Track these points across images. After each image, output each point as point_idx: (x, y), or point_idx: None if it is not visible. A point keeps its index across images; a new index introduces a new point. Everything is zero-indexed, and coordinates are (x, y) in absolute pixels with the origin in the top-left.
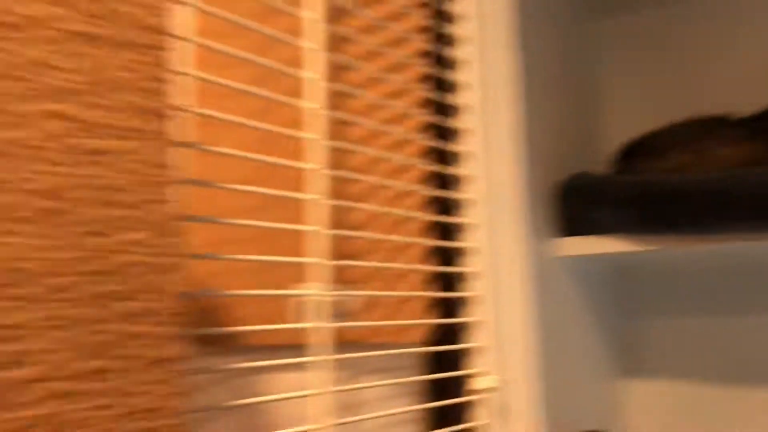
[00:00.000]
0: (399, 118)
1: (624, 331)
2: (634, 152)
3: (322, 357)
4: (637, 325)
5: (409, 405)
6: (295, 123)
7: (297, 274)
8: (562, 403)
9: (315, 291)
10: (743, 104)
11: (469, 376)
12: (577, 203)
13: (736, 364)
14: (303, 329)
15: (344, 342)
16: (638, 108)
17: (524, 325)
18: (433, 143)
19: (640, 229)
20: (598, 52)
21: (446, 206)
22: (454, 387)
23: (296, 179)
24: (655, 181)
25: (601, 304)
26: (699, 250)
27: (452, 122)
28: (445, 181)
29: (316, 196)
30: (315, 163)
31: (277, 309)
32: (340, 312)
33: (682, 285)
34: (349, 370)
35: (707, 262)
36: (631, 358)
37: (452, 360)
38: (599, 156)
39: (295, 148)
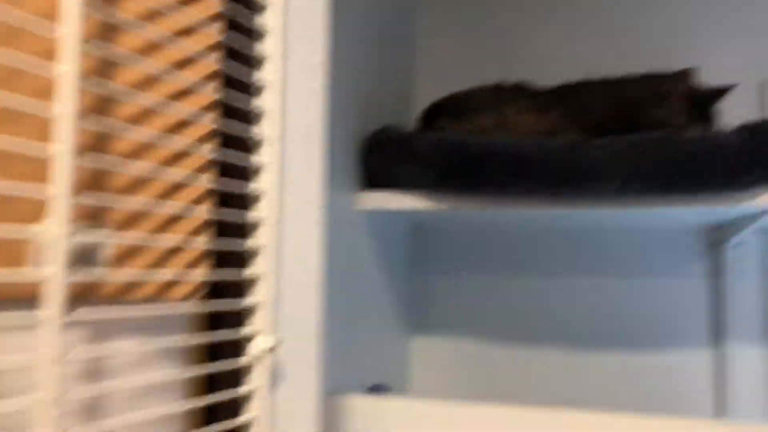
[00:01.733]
0: (184, 64)
1: (416, 288)
2: (440, 111)
3: (58, 313)
4: (429, 282)
5: (174, 370)
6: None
7: (36, 210)
8: (349, 359)
9: (53, 230)
10: (553, 75)
11: (246, 336)
12: (378, 158)
13: (522, 324)
14: (37, 279)
15: (93, 296)
16: (454, 66)
17: (310, 280)
18: (225, 95)
19: (439, 187)
20: (415, 6)
21: (235, 143)
22: (231, 349)
23: (41, 88)
24: (456, 142)
25: (397, 260)
26: (493, 212)
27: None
28: (236, 116)
29: (63, 107)
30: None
31: (5, 253)
32: (89, 259)
33: (476, 245)
34: (100, 330)
35: (501, 224)
36: (421, 315)
37: (230, 319)
38: (414, 112)
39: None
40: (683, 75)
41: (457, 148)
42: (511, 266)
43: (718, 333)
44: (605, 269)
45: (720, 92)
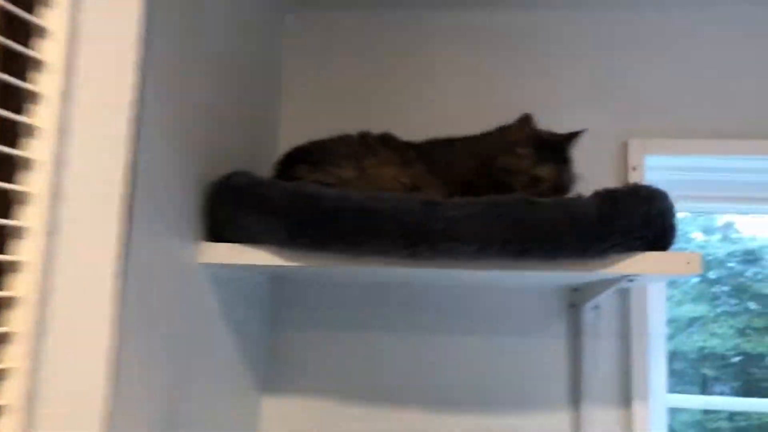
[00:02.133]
0: None
1: (271, 344)
2: (298, 159)
3: None
4: (286, 338)
5: None
6: None
7: None
8: (191, 422)
9: None
10: (419, 129)
11: None
12: (224, 207)
13: (379, 383)
14: None
15: None
16: (319, 111)
17: (99, 331)
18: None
19: (289, 242)
20: (282, 49)
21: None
22: None
23: None
24: (308, 193)
25: (251, 315)
26: (347, 269)
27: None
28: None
29: None
30: None
31: None
32: None
33: (334, 299)
34: None
35: (361, 279)
36: (274, 373)
37: None
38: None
39: None
40: (524, 121)
41: (310, 201)
42: (369, 322)
43: (576, 394)
44: (464, 327)
45: (569, 137)
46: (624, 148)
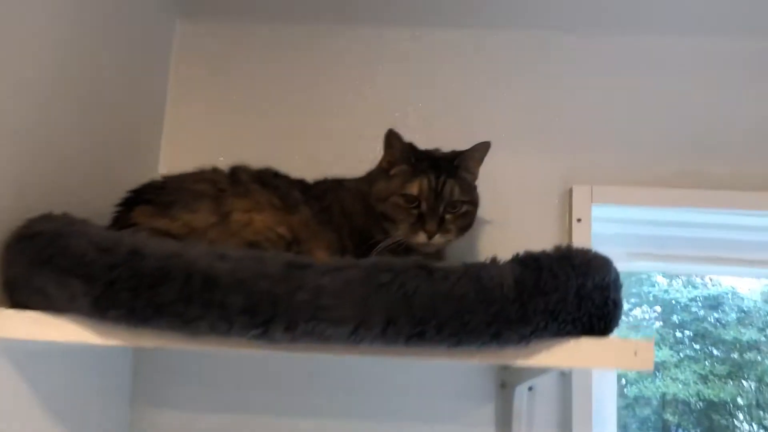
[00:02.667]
0: None
1: (131, 423)
2: (141, 199)
3: None
4: (149, 416)
5: None
6: None
7: None
8: None
9: None
10: (325, 159)
11: None
12: (21, 262)
13: None
14: None
15: None
16: (208, 131)
17: None
18: None
19: (96, 312)
20: (171, 57)
21: None
22: None
23: None
24: (125, 249)
25: (87, 392)
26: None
27: None
28: None
29: None
30: None
31: None
32: None
33: (199, 372)
34: None
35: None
36: None
37: None
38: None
39: None
40: (390, 139)
41: (127, 259)
42: (245, 401)
43: None
44: (365, 408)
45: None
46: (568, 195)
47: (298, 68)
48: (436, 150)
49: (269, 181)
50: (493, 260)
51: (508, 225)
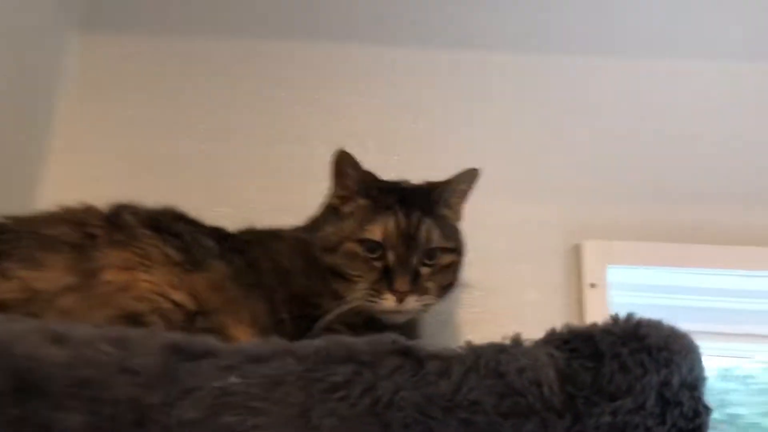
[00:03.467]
0: None
1: None
2: None
3: None
4: None
5: None
6: None
7: None
8: None
9: None
10: (243, 197)
11: None
12: None
13: None
14: None
15: None
16: (98, 156)
17: None
18: None
19: None
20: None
21: None
22: None
23: None
24: None
25: None
26: None
27: None
28: None
29: None
30: None
31: None
32: None
33: None
34: None
35: None
36: None
37: None
38: None
39: None
40: (341, 163)
41: None
42: None
43: None
44: None
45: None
46: (575, 253)
47: (220, 86)
48: (404, 181)
49: (167, 225)
50: (517, 341)
51: (498, 291)
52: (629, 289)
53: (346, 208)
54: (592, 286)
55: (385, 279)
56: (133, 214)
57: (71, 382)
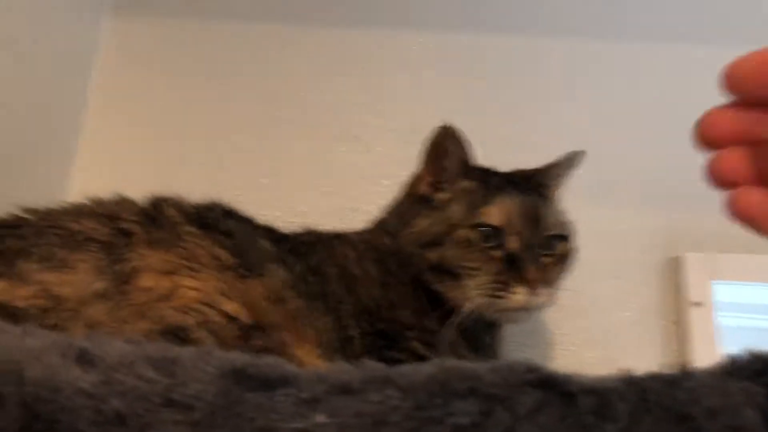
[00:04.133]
0: None
1: None
2: None
3: None
4: None
5: None
6: None
7: None
8: None
9: None
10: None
11: None
12: None
13: None
14: None
15: None
16: (133, 144)
17: None
18: None
19: None
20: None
21: None
22: None
23: None
24: None
25: None
26: None
27: None
28: None
29: None
30: None
31: None
32: None
33: None
34: None
35: None
36: None
37: None
38: None
39: None
40: (442, 139)
41: None
42: None
43: None
44: None
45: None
46: (674, 267)
47: (268, 74)
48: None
49: (216, 222)
50: (686, 370)
51: (585, 310)
52: (736, 309)
53: (442, 195)
54: (697, 304)
55: (510, 269)
56: (176, 208)
57: (100, 417)
